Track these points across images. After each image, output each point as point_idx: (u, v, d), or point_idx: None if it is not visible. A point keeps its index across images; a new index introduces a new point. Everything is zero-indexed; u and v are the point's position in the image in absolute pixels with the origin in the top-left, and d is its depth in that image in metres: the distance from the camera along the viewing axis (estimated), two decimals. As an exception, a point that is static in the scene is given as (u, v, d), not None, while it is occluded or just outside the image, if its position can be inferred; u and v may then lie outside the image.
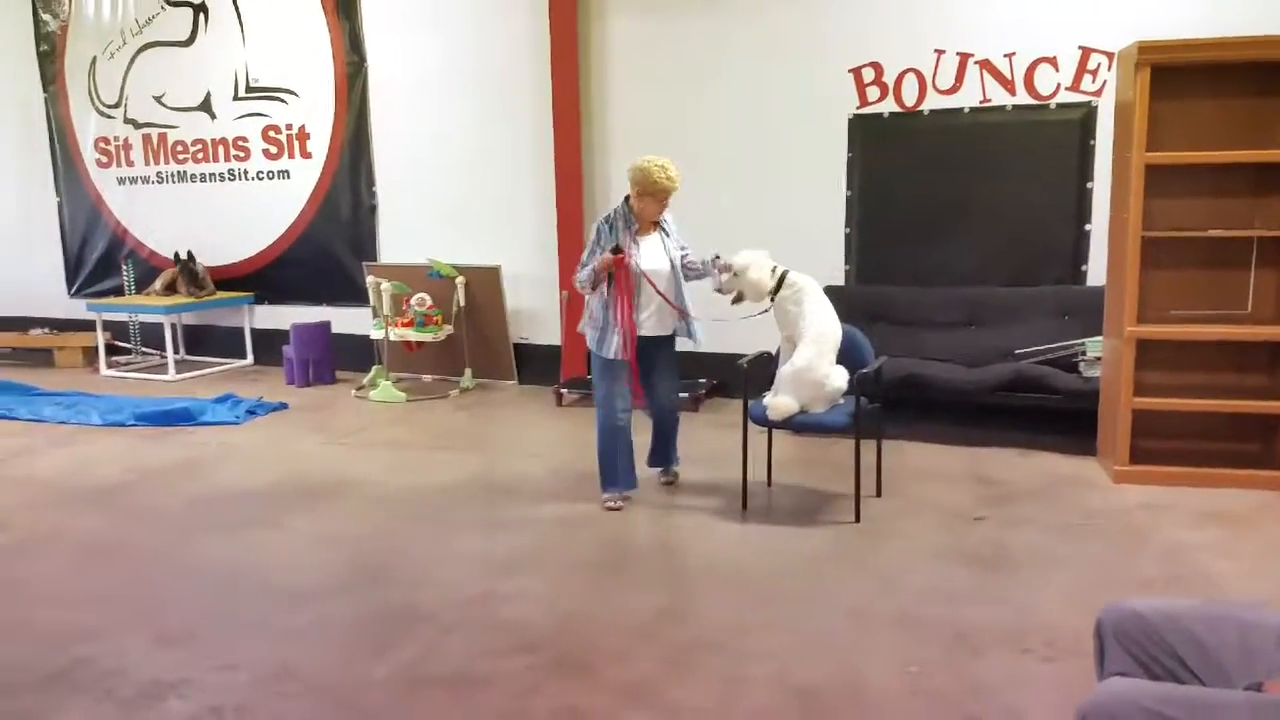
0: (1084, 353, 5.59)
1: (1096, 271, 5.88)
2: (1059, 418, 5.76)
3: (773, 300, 4.75)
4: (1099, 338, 5.45)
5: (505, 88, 7.65)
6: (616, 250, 4.62)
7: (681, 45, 7.06)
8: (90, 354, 9.15)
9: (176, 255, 8.81)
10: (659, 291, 4.74)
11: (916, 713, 2.96)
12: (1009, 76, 6.22)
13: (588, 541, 4.43)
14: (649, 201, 4.70)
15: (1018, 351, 5.87)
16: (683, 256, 4.88)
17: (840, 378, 4.60)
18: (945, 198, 6.45)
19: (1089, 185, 6.09)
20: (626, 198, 4.81)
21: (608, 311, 4.69)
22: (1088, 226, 6.13)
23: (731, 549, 4.35)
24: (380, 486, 5.27)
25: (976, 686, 3.09)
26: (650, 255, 4.76)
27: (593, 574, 4.10)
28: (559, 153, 7.42)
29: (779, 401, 4.59)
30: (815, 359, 4.53)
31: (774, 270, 4.72)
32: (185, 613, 3.79)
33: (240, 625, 3.68)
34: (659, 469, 5.24)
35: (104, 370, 8.84)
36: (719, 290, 4.83)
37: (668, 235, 4.86)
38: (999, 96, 6.27)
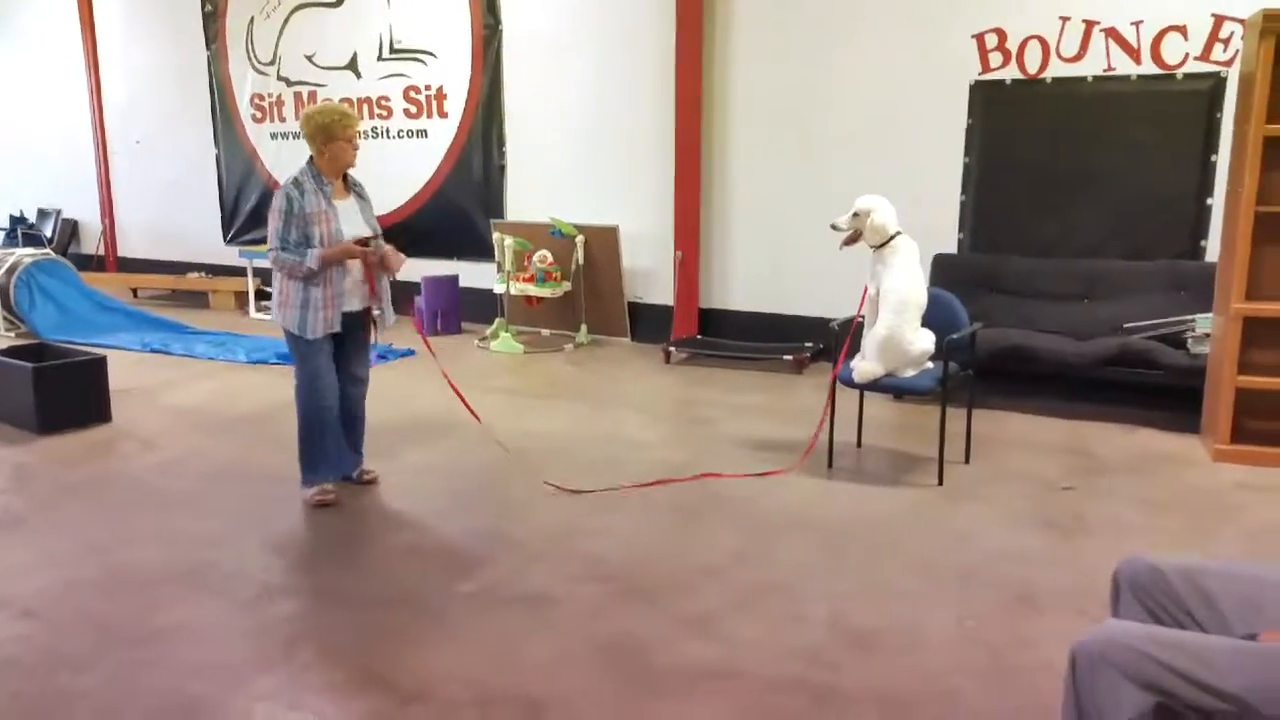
0: (1194, 329, 5.44)
1: (1216, 247, 5.68)
2: (1165, 394, 5.67)
3: (879, 249, 4.79)
4: (1210, 314, 5.30)
5: (630, 52, 7.85)
6: (365, 243, 4.26)
7: (806, 11, 7.10)
8: (241, 298, 9.88)
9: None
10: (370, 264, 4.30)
11: (963, 659, 3.08)
12: (1135, 45, 6.04)
13: (675, 487, 4.64)
14: (338, 147, 4.20)
15: (1126, 325, 5.76)
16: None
17: (926, 341, 4.67)
18: (1064, 168, 6.34)
19: (1213, 159, 5.88)
20: (310, 159, 4.27)
21: (309, 290, 4.21)
22: (1209, 201, 5.92)
23: (811, 503, 4.49)
24: (489, 428, 5.61)
25: (1027, 641, 3.18)
26: (347, 223, 4.27)
27: (675, 517, 4.32)
28: (679, 117, 7.58)
29: (864, 366, 4.70)
30: (897, 327, 4.61)
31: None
32: (298, 528, 4.22)
33: (346, 541, 4.07)
34: (346, 473, 4.66)
35: (252, 313, 9.55)
36: (834, 227, 4.82)
37: (362, 200, 4.45)
38: (1124, 65, 6.09)
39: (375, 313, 4.51)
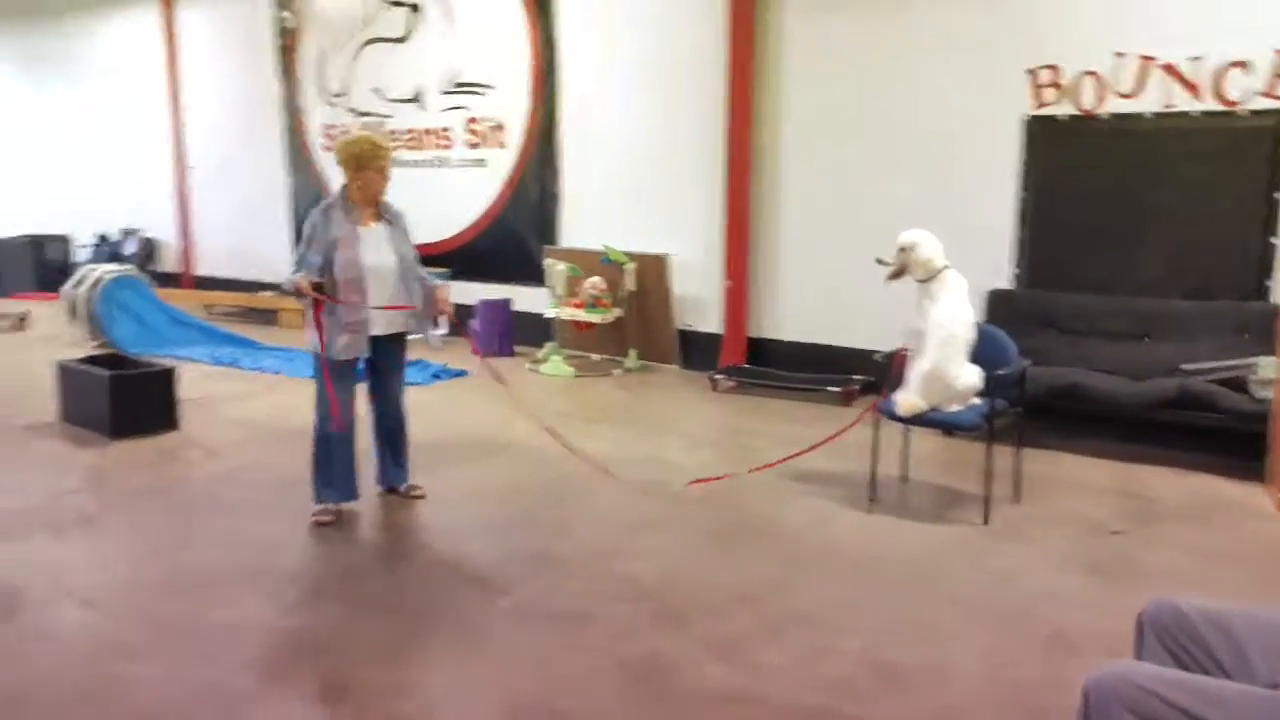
0: (1256, 372, 5.32)
1: (1283, 288, 5.60)
2: (1227, 438, 5.51)
3: (925, 283, 4.78)
4: (1274, 357, 5.18)
5: (683, 85, 7.97)
6: (318, 288, 4.27)
7: (858, 44, 7.16)
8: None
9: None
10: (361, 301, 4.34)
11: (990, 698, 3.07)
12: (1195, 81, 5.96)
13: (716, 514, 4.68)
14: (367, 176, 4.35)
15: (1185, 367, 5.65)
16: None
17: (972, 376, 4.64)
18: (1123, 205, 6.27)
19: (1278, 196, 5.76)
20: (344, 186, 4.44)
21: (332, 314, 4.33)
22: (1274, 240, 5.80)
23: (851, 535, 4.49)
24: (534, 449, 5.69)
25: (1056, 683, 3.13)
26: (372, 249, 4.38)
27: (712, 543, 4.35)
28: (730, 148, 7.67)
29: (907, 400, 4.69)
30: (942, 361, 4.59)
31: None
32: (347, 538, 4.37)
33: (391, 553, 4.19)
34: (393, 486, 4.86)
35: (317, 332, 9.79)
36: (879, 261, 4.84)
37: (393, 226, 4.50)
38: (1184, 102, 6.02)
39: (416, 336, 4.67)
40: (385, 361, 4.61)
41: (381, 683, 3.08)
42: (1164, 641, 2.14)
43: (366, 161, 4.33)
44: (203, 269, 12.32)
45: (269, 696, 3.00)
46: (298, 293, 4.31)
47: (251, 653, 3.27)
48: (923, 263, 4.71)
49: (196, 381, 7.24)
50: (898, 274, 4.85)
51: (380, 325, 4.45)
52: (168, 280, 12.20)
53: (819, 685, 3.11)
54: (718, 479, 4.84)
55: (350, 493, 4.60)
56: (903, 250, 4.77)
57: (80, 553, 4.14)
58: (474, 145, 9.47)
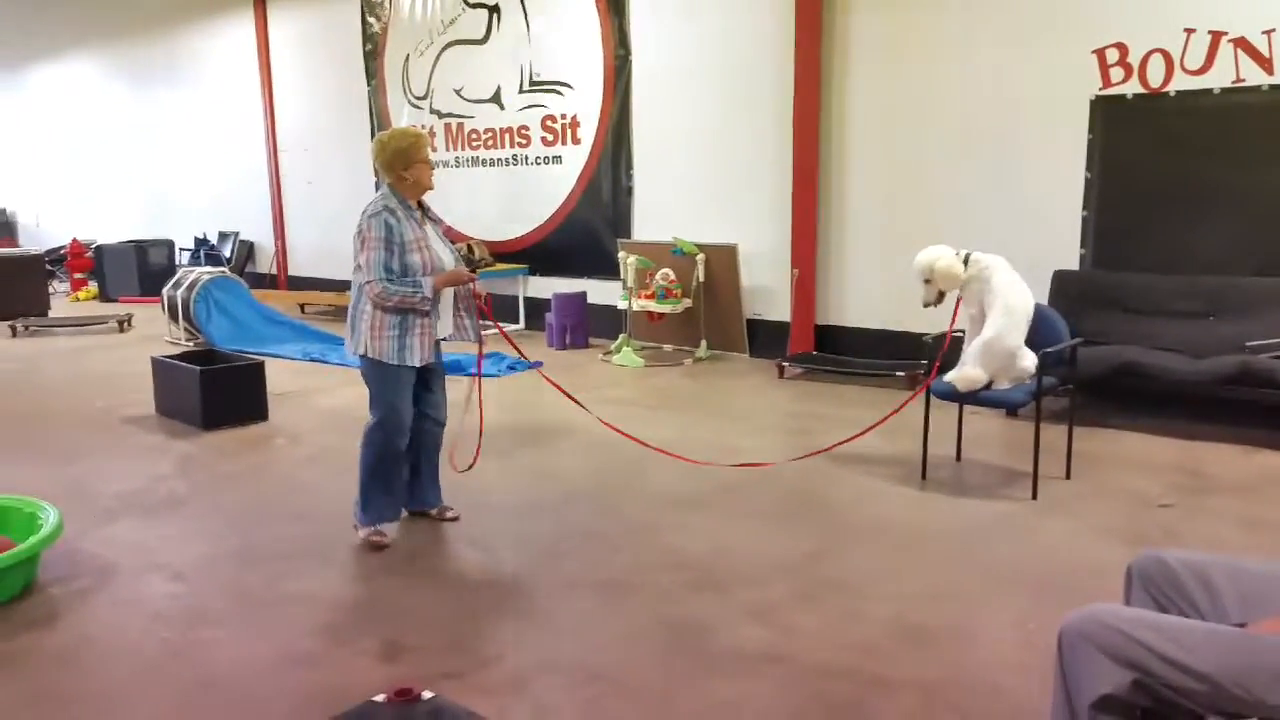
0: (1322, 348, 5.23)
1: (1353, 263, 5.45)
2: (1292, 415, 5.44)
3: (966, 282, 4.87)
4: (1340, 332, 5.09)
5: (750, 77, 8.09)
6: (473, 268, 4.09)
7: (923, 29, 7.18)
8: (392, 313, 10.58)
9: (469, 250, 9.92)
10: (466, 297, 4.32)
11: (1015, 659, 3.16)
12: (1267, 55, 5.84)
13: (765, 492, 4.83)
14: (419, 169, 4.11)
15: (1249, 344, 5.57)
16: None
17: (1029, 359, 4.68)
18: (1190, 182, 6.18)
19: (1349, 170, 5.63)
20: (390, 186, 4.12)
21: (409, 316, 4.05)
22: (1345, 214, 5.67)
23: (898, 511, 4.59)
24: (598, 434, 5.89)
25: (1084, 647, 3.21)
26: (440, 248, 4.19)
27: (759, 519, 4.51)
28: (797, 139, 7.77)
29: (967, 373, 4.74)
30: (1005, 329, 4.64)
31: (958, 254, 4.86)
32: (414, 516, 4.63)
33: (453, 529, 4.45)
34: (425, 508, 4.54)
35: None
36: (926, 304, 4.96)
37: (436, 224, 4.32)
38: (1254, 76, 5.90)
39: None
40: (434, 371, 4.36)
41: (436, 644, 3.33)
42: (1149, 590, 2.24)
43: (414, 154, 4.10)
44: (296, 269, 12.94)
45: (334, 655, 3.27)
46: (432, 295, 4.04)
47: (319, 618, 3.55)
48: (950, 274, 4.79)
49: (288, 376, 7.69)
50: (940, 298, 4.93)
51: (444, 328, 4.27)
52: (264, 281, 12.88)
53: (846, 646, 3.25)
54: (759, 465, 4.95)
55: (399, 512, 4.46)
56: (928, 282, 4.87)
57: (169, 531, 4.50)
58: (550, 143, 9.75)
